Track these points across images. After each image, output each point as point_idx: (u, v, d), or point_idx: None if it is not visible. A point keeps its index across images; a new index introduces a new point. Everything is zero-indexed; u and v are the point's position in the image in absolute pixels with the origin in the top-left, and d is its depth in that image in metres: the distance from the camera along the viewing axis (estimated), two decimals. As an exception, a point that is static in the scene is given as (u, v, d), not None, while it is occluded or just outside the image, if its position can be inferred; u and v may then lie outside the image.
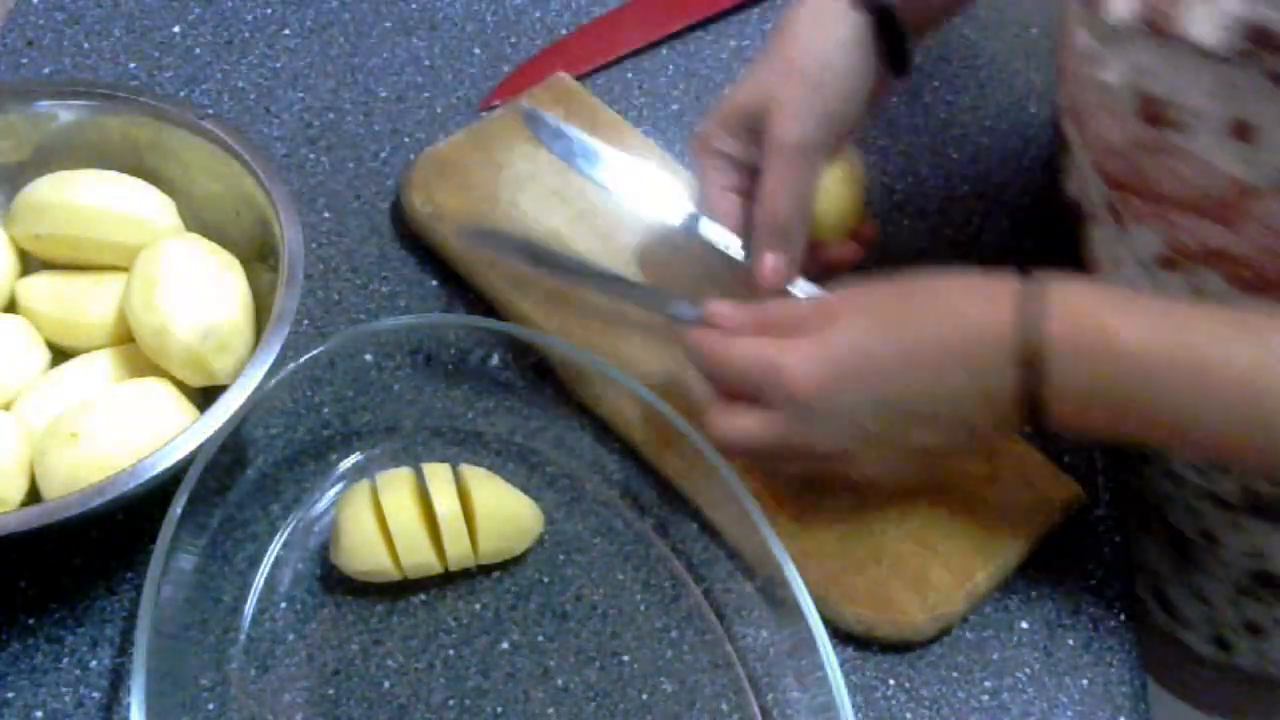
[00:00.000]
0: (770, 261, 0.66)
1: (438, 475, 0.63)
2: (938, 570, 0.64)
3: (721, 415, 0.62)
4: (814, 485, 0.65)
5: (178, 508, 0.57)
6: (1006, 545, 0.65)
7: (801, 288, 0.68)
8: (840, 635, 0.63)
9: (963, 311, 0.58)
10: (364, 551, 0.61)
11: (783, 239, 0.66)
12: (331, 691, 0.61)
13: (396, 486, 0.63)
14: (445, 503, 0.62)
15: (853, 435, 0.59)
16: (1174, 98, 0.59)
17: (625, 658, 0.63)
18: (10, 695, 0.60)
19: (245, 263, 0.67)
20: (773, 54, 0.67)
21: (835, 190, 0.70)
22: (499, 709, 0.61)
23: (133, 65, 0.84)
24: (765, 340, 0.61)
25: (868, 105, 0.68)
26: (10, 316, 0.66)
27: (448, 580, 0.64)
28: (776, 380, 0.59)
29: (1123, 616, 0.66)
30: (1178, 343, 0.54)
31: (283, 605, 0.63)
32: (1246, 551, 0.74)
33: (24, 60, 0.84)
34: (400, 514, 0.61)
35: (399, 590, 0.64)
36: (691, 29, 0.90)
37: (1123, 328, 0.55)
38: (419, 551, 0.62)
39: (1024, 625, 0.65)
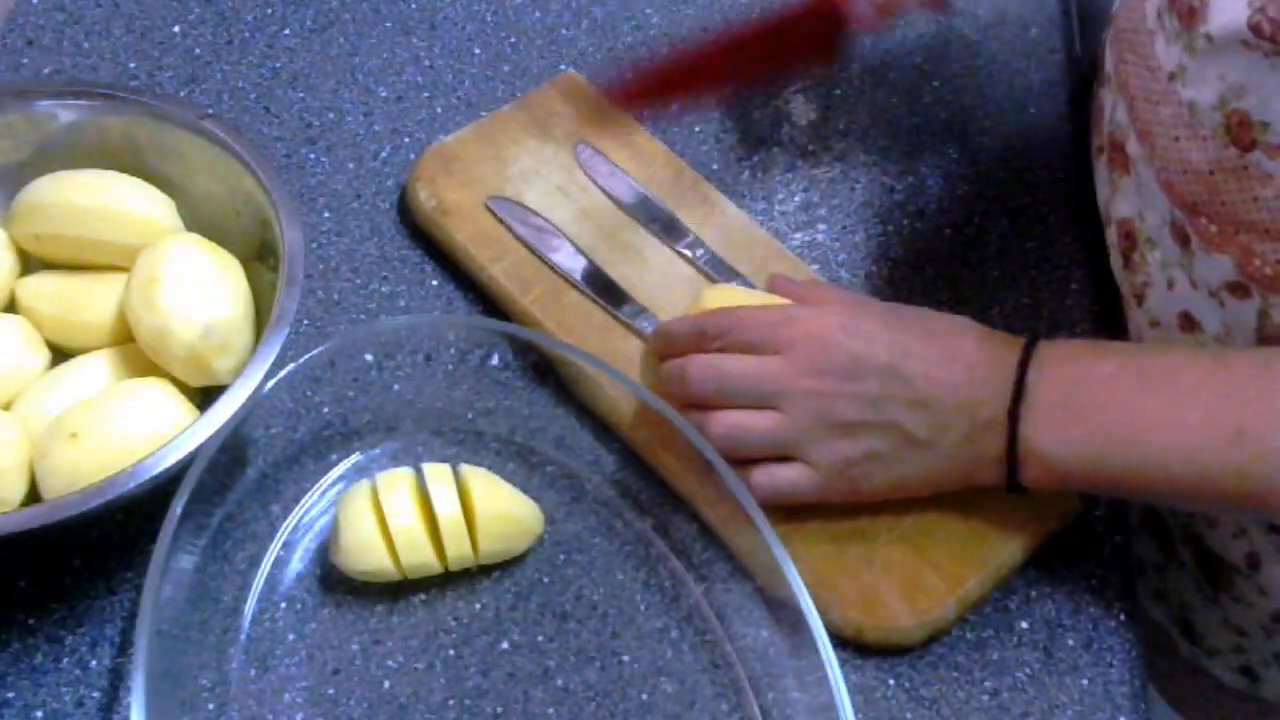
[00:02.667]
0: None
1: (438, 475, 0.63)
2: (929, 575, 0.64)
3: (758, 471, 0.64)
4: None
5: (178, 508, 0.57)
6: (1000, 552, 0.65)
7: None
8: (834, 636, 0.63)
9: (974, 339, 0.63)
10: (364, 551, 0.61)
11: None
12: (331, 691, 0.61)
13: (396, 487, 0.63)
14: (445, 503, 0.62)
15: (861, 396, 0.61)
16: (1270, 118, 0.58)
17: (625, 658, 0.63)
18: (10, 695, 0.60)
19: (245, 263, 0.67)
20: None
21: None
22: (499, 709, 0.61)
23: (133, 65, 0.84)
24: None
25: None
26: (10, 316, 0.66)
27: (448, 580, 0.64)
28: (805, 331, 0.63)
29: (1123, 616, 0.66)
30: (1153, 374, 0.58)
31: (283, 605, 0.63)
32: None
33: (24, 60, 0.84)
34: (400, 514, 0.61)
35: (399, 590, 0.64)
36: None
37: (1105, 358, 0.60)
38: (419, 552, 0.62)
39: (1024, 625, 0.65)
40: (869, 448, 0.62)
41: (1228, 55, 0.58)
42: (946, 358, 0.62)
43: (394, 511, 0.61)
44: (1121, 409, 0.58)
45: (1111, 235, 0.72)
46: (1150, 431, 0.58)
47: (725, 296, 0.68)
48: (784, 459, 0.63)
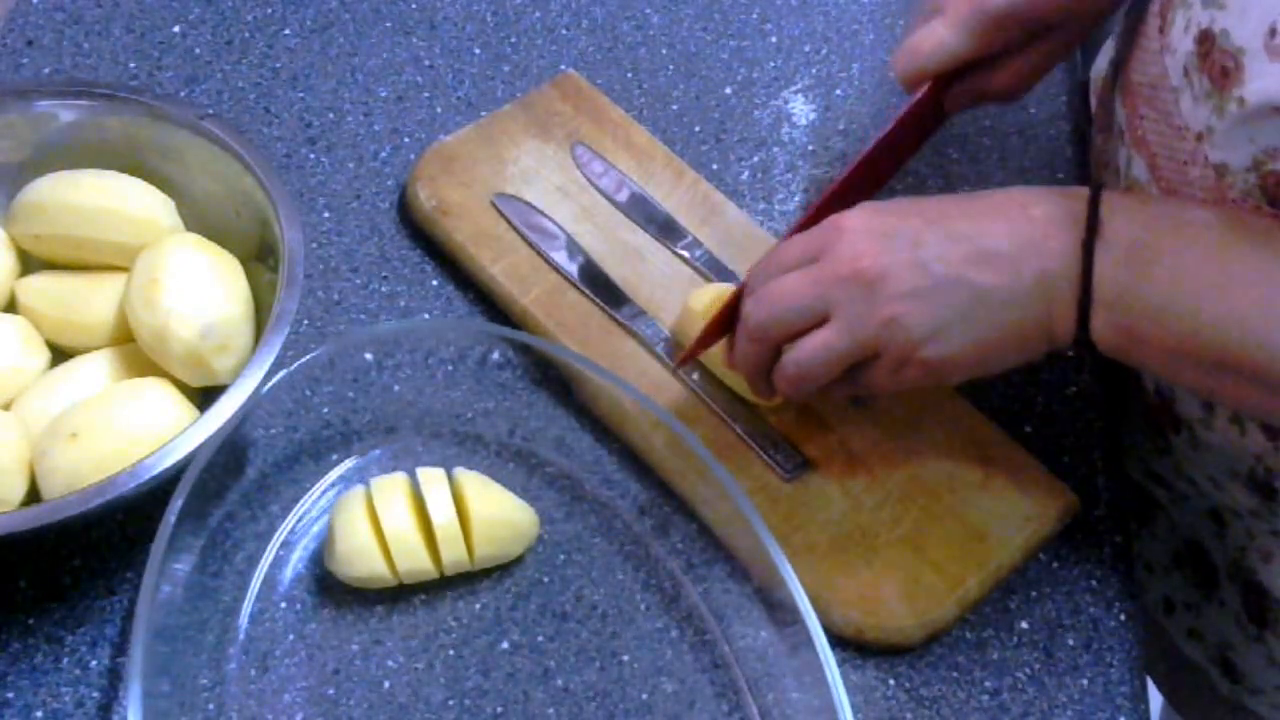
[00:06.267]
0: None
1: (433, 481, 0.63)
2: (929, 575, 0.64)
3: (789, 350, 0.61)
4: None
5: (176, 508, 0.57)
6: (1000, 552, 0.65)
7: None
8: (834, 636, 0.63)
9: (1022, 191, 0.59)
10: (359, 558, 0.61)
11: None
12: (331, 691, 0.61)
13: (391, 493, 0.62)
14: (441, 510, 0.62)
15: (913, 262, 0.57)
16: None
17: (625, 658, 0.63)
18: (10, 695, 0.60)
19: (245, 263, 0.67)
20: None
21: None
22: (499, 709, 0.61)
23: (133, 65, 0.84)
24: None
25: None
26: (10, 316, 0.66)
27: (447, 581, 0.64)
28: (834, 227, 0.59)
29: (1123, 616, 0.66)
30: (1252, 230, 0.54)
31: (282, 605, 0.63)
32: None
33: (24, 60, 0.84)
34: (395, 522, 0.61)
35: (398, 591, 0.63)
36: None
37: (1192, 205, 0.57)
38: (414, 558, 0.62)
39: (1024, 625, 0.65)
40: (936, 313, 0.57)
41: (1261, 120, 0.56)
42: (995, 208, 0.58)
43: (389, 519, 0.61)
44: (1209, 257, 0.53)
45: None
46: (1238, 288, 0.53)
47: (715, 296, 0.68)
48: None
